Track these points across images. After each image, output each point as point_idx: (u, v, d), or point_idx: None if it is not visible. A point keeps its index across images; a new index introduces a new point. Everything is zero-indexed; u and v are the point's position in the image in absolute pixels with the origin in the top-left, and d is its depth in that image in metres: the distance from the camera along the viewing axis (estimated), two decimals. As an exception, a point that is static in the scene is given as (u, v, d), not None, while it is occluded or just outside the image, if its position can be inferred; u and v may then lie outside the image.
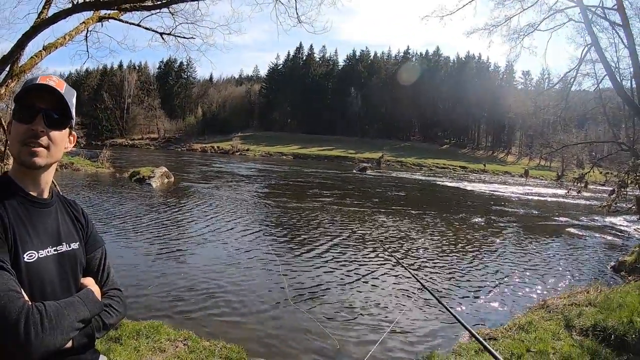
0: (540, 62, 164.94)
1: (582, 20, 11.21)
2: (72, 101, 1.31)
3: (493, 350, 1.62)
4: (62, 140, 1.29)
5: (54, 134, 1.24)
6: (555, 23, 12.68)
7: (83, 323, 1.19)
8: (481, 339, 1.77)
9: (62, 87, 1.27)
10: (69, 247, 1.30)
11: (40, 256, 1.19)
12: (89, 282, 1.34)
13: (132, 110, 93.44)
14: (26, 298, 1.08)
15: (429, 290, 2.93)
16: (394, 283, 7.52)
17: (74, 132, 1.37)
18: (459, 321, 2.02)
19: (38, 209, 1.25)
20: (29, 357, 1.03)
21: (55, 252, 1.24)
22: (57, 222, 1.30)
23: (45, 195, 1.29)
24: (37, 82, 1.23)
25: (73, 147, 1.37)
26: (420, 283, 2.74)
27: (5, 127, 1.31)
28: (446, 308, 2.26)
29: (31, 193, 1.25)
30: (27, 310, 1.04)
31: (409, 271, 3.17)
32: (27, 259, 1.15)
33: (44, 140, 1.21)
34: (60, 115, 1.26)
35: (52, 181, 1.34)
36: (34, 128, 1.20)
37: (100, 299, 1.31)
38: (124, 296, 1.44)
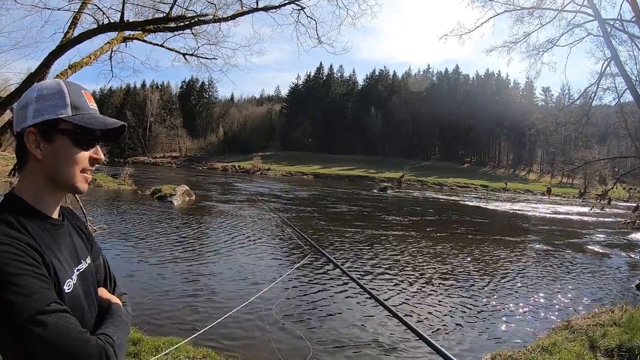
0: (560, 78, 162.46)
1: (601, 34, 11.08)
2: None
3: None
4: None
5: None
6: (574, 38, 12.50)
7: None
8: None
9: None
10: (86, 263, 1.24)
11: (74, 283, 1.12)
12: (106, 293, 1.31)
13: (155, 128, 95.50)
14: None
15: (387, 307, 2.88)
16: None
17: None
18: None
19: (57, 230, 1.16)
20: None
21: (78, 272, 1.17)
22: (72, 240, 1.23)
23: (57, 214, 1.21)
24: (95, 113, 1.18)
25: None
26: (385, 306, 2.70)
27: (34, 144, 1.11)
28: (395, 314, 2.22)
29: (48, 214, 1.15)
30: (103, 346, 1.02)
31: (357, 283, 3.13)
32: (67, 289, 1.07)
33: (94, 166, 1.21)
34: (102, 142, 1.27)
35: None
36: (98, 157, 1.18)
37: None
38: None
